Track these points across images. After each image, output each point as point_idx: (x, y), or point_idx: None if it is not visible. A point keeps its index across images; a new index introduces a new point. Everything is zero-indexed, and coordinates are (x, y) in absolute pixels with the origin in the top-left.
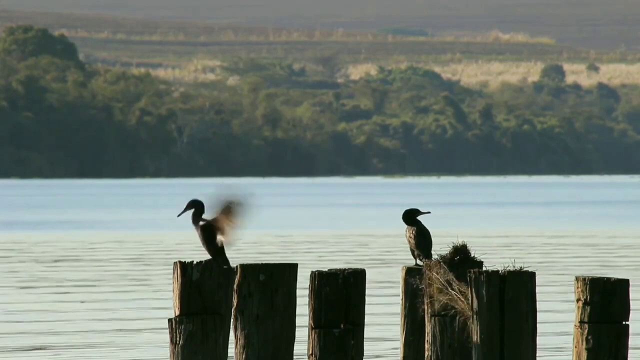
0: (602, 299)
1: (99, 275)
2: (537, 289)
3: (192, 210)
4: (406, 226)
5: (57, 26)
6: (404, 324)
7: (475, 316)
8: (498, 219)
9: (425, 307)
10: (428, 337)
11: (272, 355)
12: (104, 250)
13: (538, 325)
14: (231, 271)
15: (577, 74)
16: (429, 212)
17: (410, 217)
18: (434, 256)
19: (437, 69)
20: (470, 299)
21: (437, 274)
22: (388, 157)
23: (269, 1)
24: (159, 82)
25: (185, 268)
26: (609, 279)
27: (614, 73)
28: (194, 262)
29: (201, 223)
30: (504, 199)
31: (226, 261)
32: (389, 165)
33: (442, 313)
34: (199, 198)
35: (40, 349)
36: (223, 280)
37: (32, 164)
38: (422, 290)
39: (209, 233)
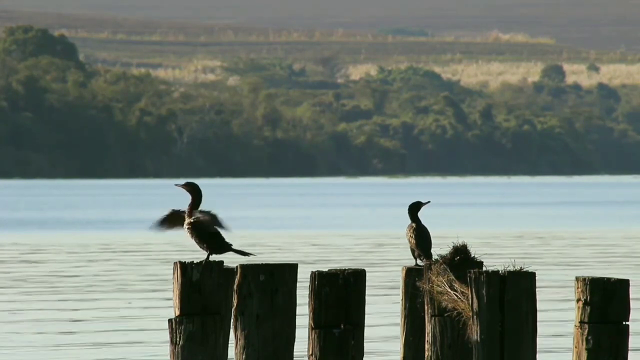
0: (602, 299)
1: (98, 275)
2: (537, 289)
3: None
4: (407, 225)
5: (57, 26)
6: (404, 324)
7: (475, 316)
8: (498, 219)
9: (425, 308)
10: (428, 338)
11: (272, 355)
12: (104, 249)
13: (538, 325)
14: (231, 271)
15: (577, 74)
16: (429, 202)
17: (415, 211)
18: (434, 256)
19: (437, 69)
20: (470, 299)
21: (438, 274)
22: (388, 157)
23: (269, 1)
24: (159, 82)
25: (185, 268)
26: (609, 279)
27: (614, 73)
28: (194, 262)
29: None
30: (505, 199)
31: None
32: (389, 165)
33: (443, 313)
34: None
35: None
36: (223, 280)
37: (32, 164)
38: (422, 291)
39: (199, 232)
